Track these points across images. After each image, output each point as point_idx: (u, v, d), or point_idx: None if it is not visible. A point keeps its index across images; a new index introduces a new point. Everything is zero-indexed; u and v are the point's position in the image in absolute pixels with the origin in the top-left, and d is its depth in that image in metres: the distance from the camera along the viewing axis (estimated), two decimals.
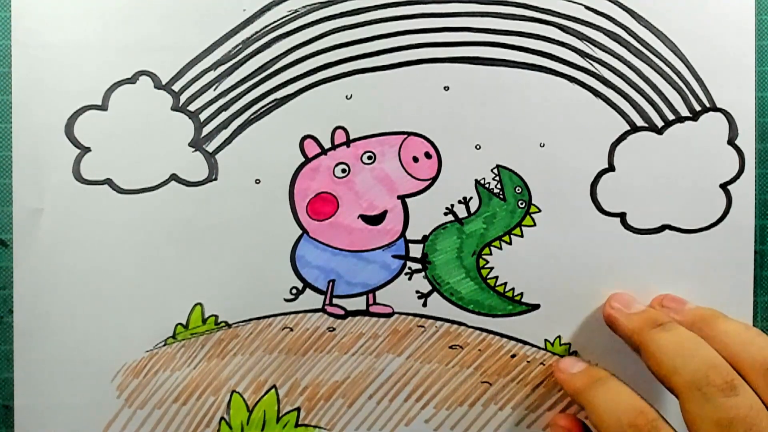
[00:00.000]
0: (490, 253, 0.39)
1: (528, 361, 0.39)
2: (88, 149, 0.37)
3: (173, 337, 0.38)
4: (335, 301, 0.38)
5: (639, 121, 0.39)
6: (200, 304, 0.38)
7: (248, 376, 0.38)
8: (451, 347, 0.39)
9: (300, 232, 0.38)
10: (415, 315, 0.39)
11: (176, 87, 0.38)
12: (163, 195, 0.38)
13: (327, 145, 0.38)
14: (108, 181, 0.37)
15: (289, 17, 0.38)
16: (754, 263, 0.39)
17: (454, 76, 0.38)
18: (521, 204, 0.39)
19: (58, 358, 0.37)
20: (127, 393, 0.38)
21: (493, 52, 0.38)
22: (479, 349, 0.39)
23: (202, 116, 0.38)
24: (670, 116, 0.39)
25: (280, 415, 0.38)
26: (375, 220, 0.38)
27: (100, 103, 0.37)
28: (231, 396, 0.38)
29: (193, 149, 0.38)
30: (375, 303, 0.38)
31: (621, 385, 0.34)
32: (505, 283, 0.39)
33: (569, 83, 0.39)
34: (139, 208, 0.37)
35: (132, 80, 0.37)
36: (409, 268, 0.39)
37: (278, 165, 0.38)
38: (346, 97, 0.38)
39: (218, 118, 0.38)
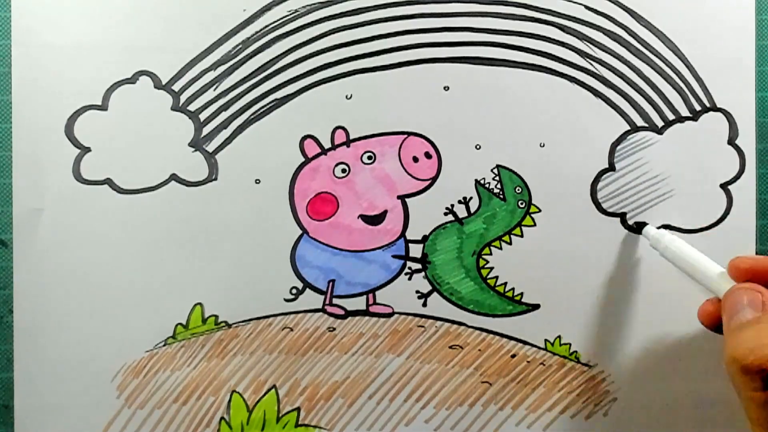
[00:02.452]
0: (490, 253, 0.39)
1: (528, 361, 0.39)
2: (88, 149, 0.37)
3: (173, 337, 0.38)
4: (335, 301, 0.38)
5: (639, 121, 0.39)
6: (200, 304, 0.38)
7: (248, 376, 0.38)
8: (451, 347, 0.39)
9: (300, 232, 0.38)
10: (415, 315, 0.39)
11: (176, 87, 0.38)
12: (163, 195, 0.38)
13: (327, 145, 0.38)
14: (108, 181, 0.37)
15: (289, 17, 0.38)
16: None
17: (454, 76, 0.38)
18: (521, 204, 0.39)
19: (58, 358, 0.37)
20: (127, 393, 0.38)
21: (493, 52, 0.38)
22: (479, 349, 0.39)
23: (202, 116, 0.38)
24: (670, 116, 0.39)
25: (280, 415, 0.38)
26: (375, 220, 0.38)
27: (100, 103, 0.37)
28: (231, 396, 0.38)
29: (193, 149, 0.38)
30: (375, 303, 0.38)
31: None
32: (505, 283, 0.39)
33: (569, 83, 0.39)
34: (139, 208, 0.37)
35: (132, 80, 0.37)
36: (409, 268, 0.38)
37: (278, 165, 0.38)
38: (346, 97, 0.38)
39: (218, 118, 0.38)
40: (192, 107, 0.38)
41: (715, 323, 0.33)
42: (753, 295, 0.30)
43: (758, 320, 0.28)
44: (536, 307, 0.39)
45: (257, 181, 0.38)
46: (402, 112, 0.38)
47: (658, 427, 0.39)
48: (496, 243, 0.39)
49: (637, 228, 0.38)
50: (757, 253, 0.39)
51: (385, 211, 0.39)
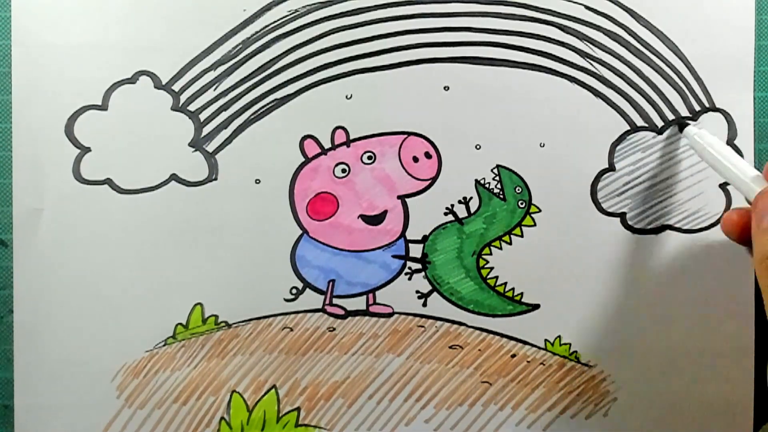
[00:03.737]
0: (490, 253, 0.39)
1: (528, 361, 0.39)
2: (88, 149, 0.37)
3: (173, 337, 0.38)
4: (335, 301, 0.38)
5: (639, 121, 0.39)
6: (200, 304, 0.38)
7: (248, 376, 0.38)
8: (451, 347, 0.39)
9: (300, 232, 0.38)
10: (415, 315, 0.39)
11: (176, 87, 0.38)
12: (163, 195, 0.38)
13: (327, 145, 0.38)
14: (108, 181, 0.37)
15: (289, 17, 0.38)
16: None
17: (454, 76, 0.38)
18: (521, 204, 0.39)
19: (58, 358, 0.37)
20: (127, 393, 0.38)
21: (493, 52, 0.38)
22: (479, 349, 0.39)
23: (202, 116, 0.38)
24: (670, 116, 0.39)
25: (280, 415, 0.38)
26: (375, 220, 0.38)
27: (100, 103, 0.37)
28: (231, 396, 0.38)
29: (193, 149, 0.38)
30: (375, 303, 0.38)
31: None
32: (505, 283, 0.39)
33: (569, 83, 0.39)
34: (139, 208, 0.37)
35: (132, 80, 0.37)
36: (409, 268, 0.38)
37: (278, 165, 0.38)
38: (346, 97, 0.38)
39: (218, 118, 0.38)
40: (192, 107, 0.38)
41: (738, 233, 0.33)
42: None
43: None
44: (536, 307, 0.39)
45: (257, 181, 0.38)
46: (402, 112, 0.38)
47: (658, 427, 0.39)
48: (496, 243, 0.39)
49: (680, 127, 0.38)
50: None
51: (385, 211, 0.39)
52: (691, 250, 0.39)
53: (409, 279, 0.38)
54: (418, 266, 0.39)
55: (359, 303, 0.39)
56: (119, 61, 0.37)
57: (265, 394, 0.38)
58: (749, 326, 0.39)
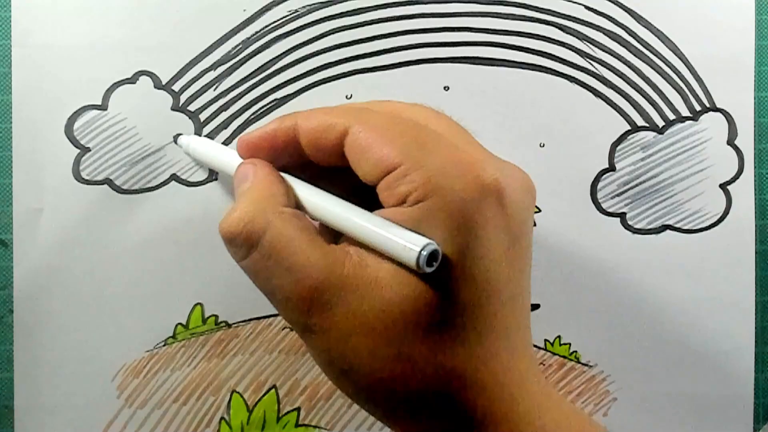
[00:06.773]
0: None
1: None
2: (88, 149, 0.37)
3: (173, 337, 0.38)
4: None
5: (639, 121, 0.39)
6: (200, 304, 0.38)
7: (248, 376, 0.38)
8: None
9: None
10: None
11: (176, 87, 0.38)
12: (163, 195, 0.37)
13: None
14: (108, 181, 0.37)
15: (289, 17, 0.38)
16: (755, 263, 0.39)
17: (454, 76, 0.38)
18: None
19: (58, 358, 0.37)
20: (127, 393, 0.38)
21: (493, 52, 0.38)
22: None
23: (202, 116, 0.38)
24: (671, 116, 0.39)
25: (280, 415, 0.38)
26: None
27: (100, 103, 0.37)
28: (231, 396, 0.38)
29: None
30: None
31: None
32: None
33: (569, 83, 0.39)
34: (139, 208, 0.37)
35: (132, 80, 0.37)
36: None
37: None
38: (346, 97, 0.38)
39: (218, 118, 0.38)
40: (192, 107, 0.38)
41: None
42: (243, 169, 0.30)
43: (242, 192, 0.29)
44: (536, 307, 0.39)
45: None
46: None
47: (658, 427, 0.39)
48: None
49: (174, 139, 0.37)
50: (756, 254, 0.39)
51: None
52: (691, 250, 0.39)
53: None
54: None
55: None
56: (119, 61, 0.37)
57: (265, 394, 0.38)
58: (749, 326, 0.39)
